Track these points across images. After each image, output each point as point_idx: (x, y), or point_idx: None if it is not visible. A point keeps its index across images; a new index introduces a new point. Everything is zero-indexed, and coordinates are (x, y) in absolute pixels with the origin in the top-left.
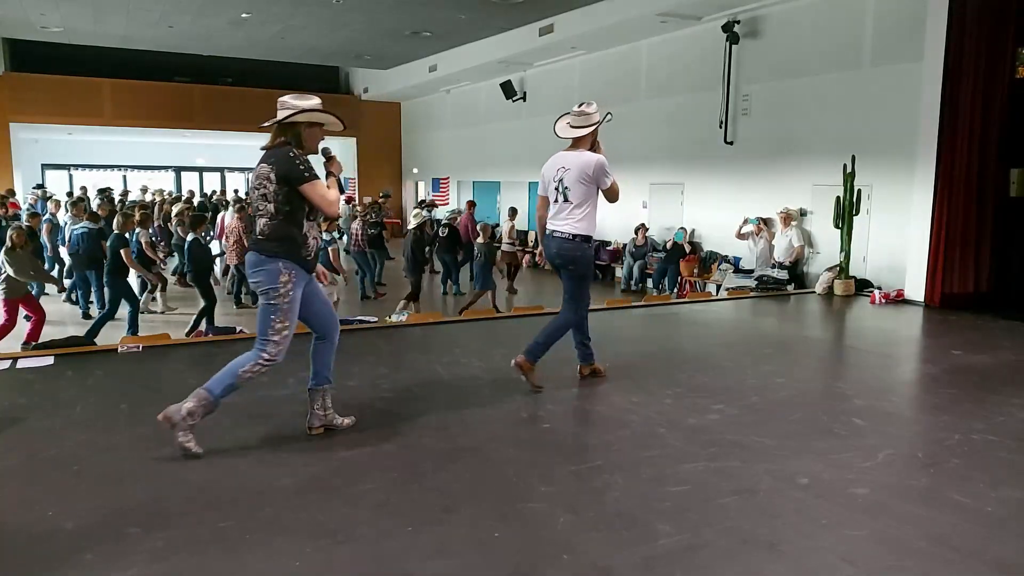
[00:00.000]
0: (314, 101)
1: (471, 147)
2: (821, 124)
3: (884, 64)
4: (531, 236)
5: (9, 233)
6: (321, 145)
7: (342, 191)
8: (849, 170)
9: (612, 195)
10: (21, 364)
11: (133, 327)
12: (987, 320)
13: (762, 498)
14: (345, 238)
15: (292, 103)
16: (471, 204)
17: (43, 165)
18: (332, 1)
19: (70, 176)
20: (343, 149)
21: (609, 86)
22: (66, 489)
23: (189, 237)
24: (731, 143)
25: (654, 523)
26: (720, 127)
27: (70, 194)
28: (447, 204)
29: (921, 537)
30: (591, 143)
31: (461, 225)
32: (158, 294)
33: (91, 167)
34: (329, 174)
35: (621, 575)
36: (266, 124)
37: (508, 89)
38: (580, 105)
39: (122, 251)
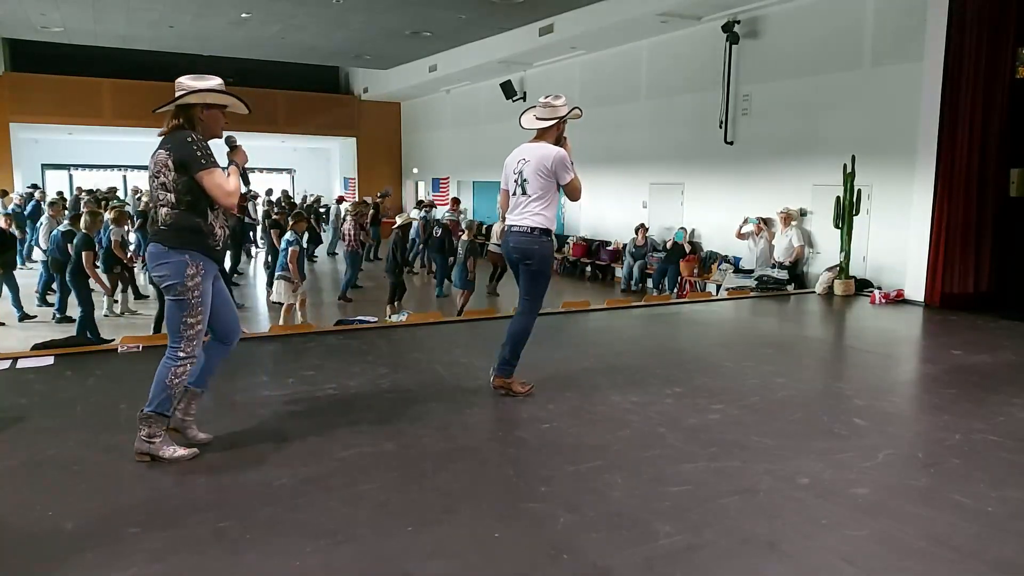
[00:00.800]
0: (213, 82)
1: (471, 147)
2: (821, 124)
3: (884, 64)
4: (495, 229)
5: None
6: (226, 133)
7: (247, 183)
8: (849, 170)
9: (572, 192)
10: (21, 364)
11: (83, 329)
12: (987, 320)
13: (762, 498)
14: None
15: (187, 83)
16: (455, 201)
17: (43, 165)
18: (332, 1)
19: (70, 176)
20: (343, 149)
21: (609, 86)
22: (66, 489)
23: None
24: (731, 143)
25: (654, 523)
26: (720, 127)
27: (59, 194)
28: (447, 204)
29: (921, 537)
30: (556, 137)
31: (452, 224)
32: (119, 295)
33: (91, 167)
34: (231, 163)
35: (621, 575)
36: (160, 108)
37: (508, 89)
38: (547, 97)
39: (84, 253)
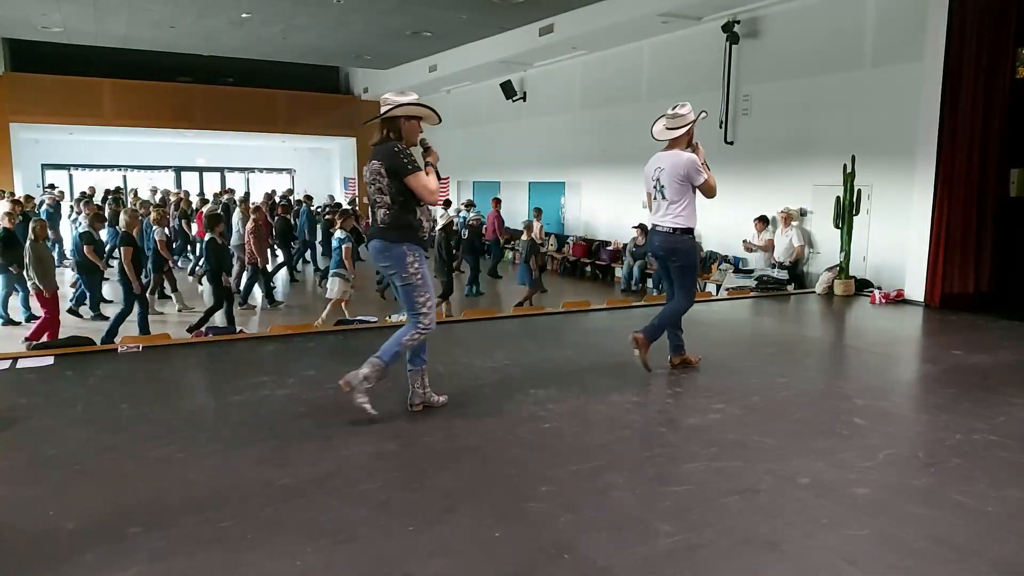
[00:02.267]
0: (411, 97)
1: (471, 147)
2: (821, 124)
3: (884, 64)
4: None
5: (32, 225)
6: (419, 137)
7: (440, 178)
8: (849, 170)
9: (708, 190)
10: (21, 364)
11: (143, 327)
12: (987, 320)
13: (763, 498)
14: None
15: (392, 99)
16: (496, 202)
17: (43, 165)
18: (333, 1)
19: (70, 176)
20: (343, 149)
21: (609, 86)
22: (66, 489)
23: (206, 236)
24: (731, 143)
25: (655, 523)
26: (720, 127)
27: (83, 194)
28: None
29: (922, 537)
30: (687, 143)
31: (488, 223)
32: (171, 293)
33: (91, 167)
34: (427, 164)
35: (621, 575)
36: (370, 121)
37: (508, 89)
38: (674, 108)
39: (123, 249)
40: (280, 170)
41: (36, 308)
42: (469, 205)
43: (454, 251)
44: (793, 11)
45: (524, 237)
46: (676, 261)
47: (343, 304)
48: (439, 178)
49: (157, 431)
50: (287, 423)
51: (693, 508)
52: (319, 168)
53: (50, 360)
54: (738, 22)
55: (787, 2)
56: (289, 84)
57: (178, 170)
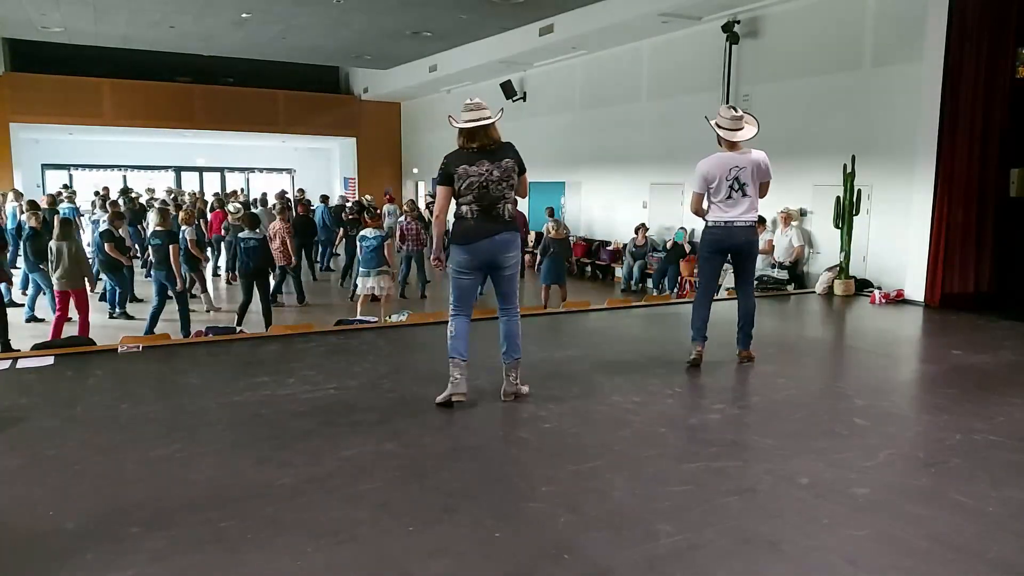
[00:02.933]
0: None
1: None
2: (821, 124)
3: (884, 64)
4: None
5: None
6: None
7: None
8: (849, 170)
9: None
10: (21, 364)
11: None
12: (987, 320)
13: (763, 498)
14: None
15: (484, 105)
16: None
17: (43, 165)
18: (333, 1)
19: (70, 176)
20: (343, 149)
21: (609, 86)
22: (66, 489)
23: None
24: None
25: (655, 523)
26: None
27: (97, 194)
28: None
29: (922, 537)
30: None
31: None
32: (200, 293)
33: (91, 167)
34: None
35: (622, 575)
36: (491, 122)
37: (508, 89)
38: (730, 107)
39: (171, 247)
40: (280, 170)
41: (38, 308)
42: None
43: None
44: (793, 11)
45: (554, 236)
46: (754, 252)
47: (383, 299)
48: None
49: (157, 431)
50: (287, 423)
51: (693, 508)
52: (319, 168)
53: (50, 360)
54: (738, 22)
55: (787, 2)
56: (289, 84)
57: (178, 170)
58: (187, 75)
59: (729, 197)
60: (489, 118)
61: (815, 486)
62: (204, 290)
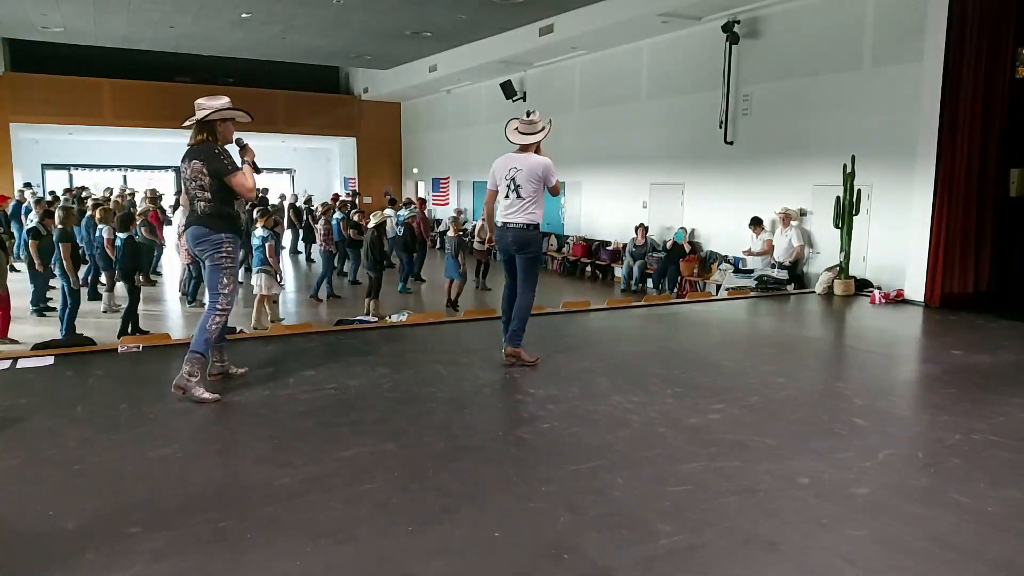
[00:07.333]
0: (224, 100)
1: (471, 147)
2: (821, 124)
3: (884, 64)
4: (478, 226)
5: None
6: (235, 135)
7: (258, 171)
8: (849, 170)
9: (557, 190)
10: (21, 364)
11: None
12: (987, 320)
13: (763, 498)
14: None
15: (207, 104)
16: (422, 202)
17: (43, 165)
18: (333, 1)
19: (70, 176)
20: (343, 149)
21: (609, 86)
22: (66, 489)
23: (123, 235)
24: (731, 143)
25: (655, 523)
26: (720, 127)
27: (52, 193)
28: (447, 204)
29: (921, 537)
30: (537, 147)
31: (415, 223)
32: (105, 292)
33: (91, 167)
34: (244, 161)
35: (621, 575)
36: (187, 123)
37: (508, 89)
38: (528, 115)
39: (60, 246)
40: (280, 170)
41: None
42: (407, 204)
43: (385, 249)
44: (793, 11)
45: (451, 233)
46: (527, 254)
47: (267, 301)
48: (256, 172)
49: (157, 431)
50: (287, 423)
51: (693, 508)
52: (319, 168)
53: (50, 360)
54: (738, 22)
55: (787, 2)
56: (289, 84)
57: (178, 170)
58: (187, 75)
59: (506, 197)
60: (206, 112)
61: (815, 486)
62: (109, 289)
